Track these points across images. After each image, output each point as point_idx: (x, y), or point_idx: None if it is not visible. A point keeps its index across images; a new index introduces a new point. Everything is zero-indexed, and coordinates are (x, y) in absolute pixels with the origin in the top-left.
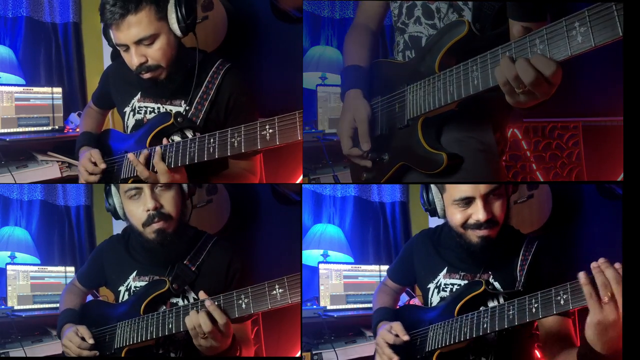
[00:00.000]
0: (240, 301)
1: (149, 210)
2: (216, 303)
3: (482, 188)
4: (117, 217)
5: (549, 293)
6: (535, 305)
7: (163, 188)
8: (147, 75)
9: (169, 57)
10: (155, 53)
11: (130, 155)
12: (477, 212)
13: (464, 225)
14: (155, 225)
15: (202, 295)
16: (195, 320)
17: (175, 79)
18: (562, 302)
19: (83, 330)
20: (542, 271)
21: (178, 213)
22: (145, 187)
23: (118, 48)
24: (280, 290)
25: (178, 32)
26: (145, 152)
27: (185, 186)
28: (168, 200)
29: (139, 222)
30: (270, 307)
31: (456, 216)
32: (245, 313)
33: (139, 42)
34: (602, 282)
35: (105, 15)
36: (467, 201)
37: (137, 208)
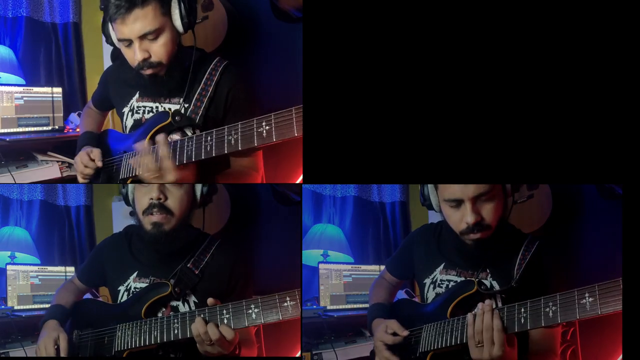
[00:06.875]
0: (250, 311)
1: (152, 199)
2: (224, 311)
3: (471, 191)
4: (127, 203)
5: (537, 303)
6: (524, 316)
7: (174, 185)
8: (148, 72)
9: (170, 53)
10: (158, 49)
11: (132, 160)
12: (467, 215)
13: (460, 231)
14: (154, 218)
15: (210, 302)
16: (202, 329)
17: (173, 76)
18: (550, 314)
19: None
20: (538, 271)
21: (181, 213)
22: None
23: (119, 45)
24: (292, 302)
25: (180, 29)
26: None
27: (199, 193)
28: (174, 196)
29: (141, 209)
30: (281, 319)
31: (451, 219)
32: (254, 323)
33: (143, 37)
34: (478, 327)
35: (109, 9)
36: (457, 203)
37: (143, 195)
